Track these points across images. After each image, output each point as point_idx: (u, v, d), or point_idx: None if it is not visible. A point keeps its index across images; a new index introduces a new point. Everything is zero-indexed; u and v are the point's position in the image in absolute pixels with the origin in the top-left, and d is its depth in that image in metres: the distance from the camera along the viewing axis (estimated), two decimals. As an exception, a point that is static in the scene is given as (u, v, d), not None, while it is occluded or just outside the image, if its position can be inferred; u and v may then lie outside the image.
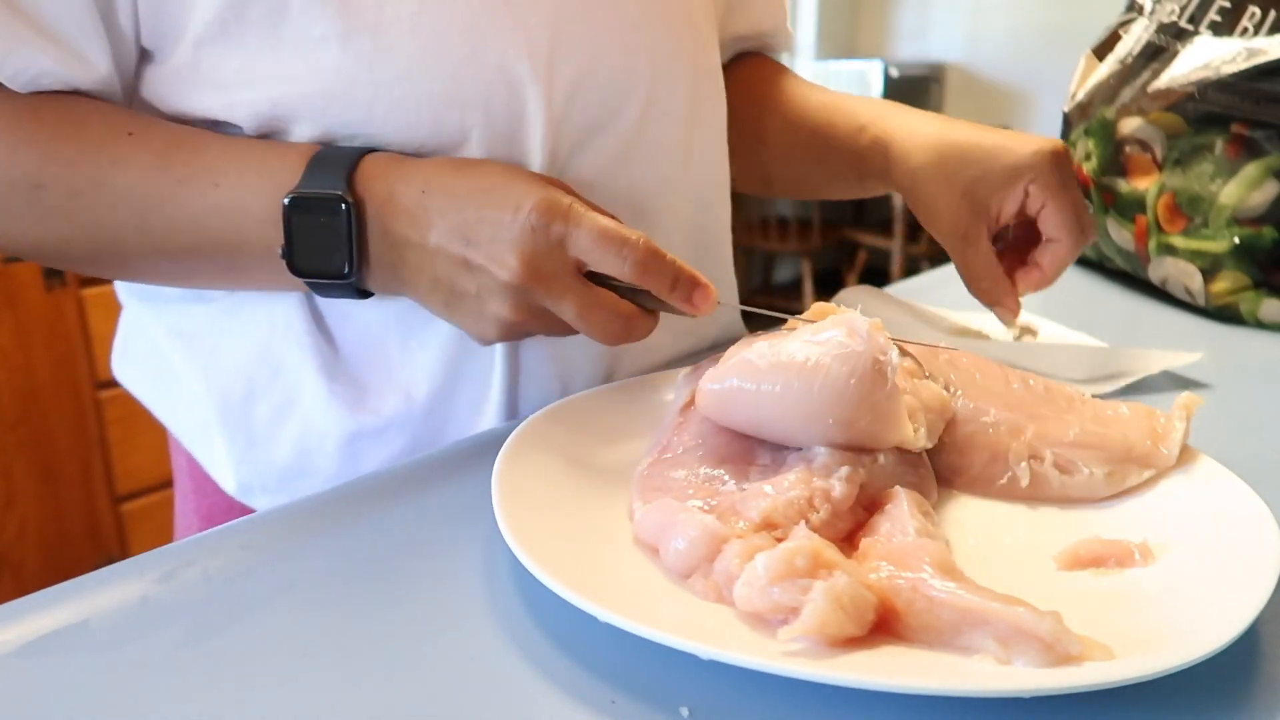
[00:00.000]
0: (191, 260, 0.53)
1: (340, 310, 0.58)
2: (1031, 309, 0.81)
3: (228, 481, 0.61)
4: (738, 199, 0.74)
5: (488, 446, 0.50)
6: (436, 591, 0.40)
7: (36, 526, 1.81)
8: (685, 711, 0.33)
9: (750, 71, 0.80)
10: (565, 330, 0.50)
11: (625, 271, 0.47)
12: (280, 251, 0.50)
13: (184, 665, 0.36)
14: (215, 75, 0.52)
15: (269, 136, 0.54)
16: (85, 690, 0.34)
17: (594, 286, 0.48)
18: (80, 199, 0.50)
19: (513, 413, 0.60)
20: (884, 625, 0.34)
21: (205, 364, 0.60)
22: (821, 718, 0.33)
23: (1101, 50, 0.94)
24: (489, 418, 0.59)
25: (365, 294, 0.53)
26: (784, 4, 0.80)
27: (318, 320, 0.58)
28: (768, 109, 0.77)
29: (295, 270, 0.50)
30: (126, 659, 0.36)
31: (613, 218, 0.49)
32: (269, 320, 0.58)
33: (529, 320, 0.49)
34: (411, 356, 0.58)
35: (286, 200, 0.49)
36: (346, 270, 0.50)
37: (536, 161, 0.56)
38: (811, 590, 0.33)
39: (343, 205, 0.49)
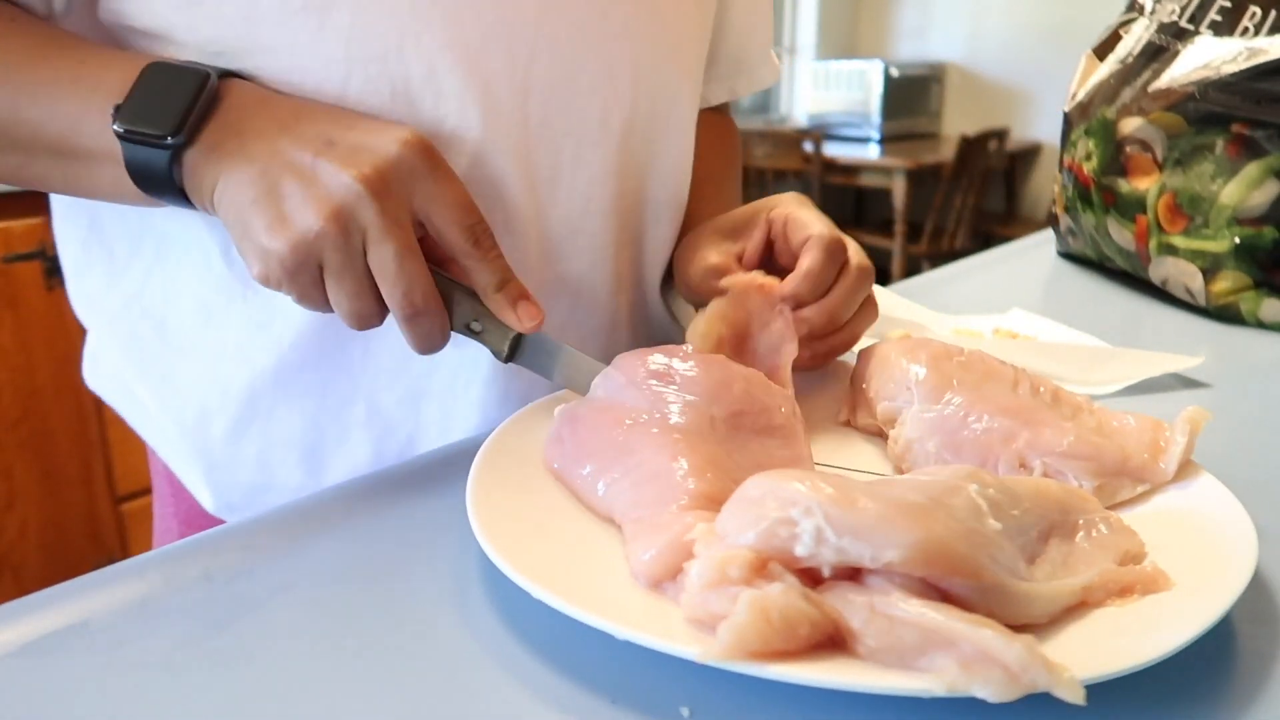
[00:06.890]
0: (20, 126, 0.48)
1: (288, 317, 0.55)
2: (1032, 309, 0.81)
3: (205, 500, 0.61)
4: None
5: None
6: (436, 591, 0.40)
7: (37, 527, 1.81)
8: (685, 711, 0.33)
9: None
10: (351, 286, 0.45)
11: (464, 245, 0.46)
12: (113, 109, 0.45)
13: (184, 665, 0.36)
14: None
15: None
16: (85, 690, 0.34)
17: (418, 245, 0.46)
18: None
19: (490, 419, 0.57)
20: (836, 643, 0.32)
21: (157, 388, 0.60)
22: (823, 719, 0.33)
23: (1102, 50, 0.94)
24: (461, 428, 0.57)
25: (181, 193, 0.47)
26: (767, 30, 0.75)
27: (264, 330, 0.56)
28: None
29: (119, 122, 0.45)
30: (126, 659, 0.36)
31: None
32: (217, 341, 0.57)
33: (332, 248, 0.43)
34: (373, 360, 0.57)
35: (149, 64, 0.46)
36: (174, 129, 0.44)
37: (515, 163, 0.54)
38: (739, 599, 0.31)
39: (206, 76, 0.46)
